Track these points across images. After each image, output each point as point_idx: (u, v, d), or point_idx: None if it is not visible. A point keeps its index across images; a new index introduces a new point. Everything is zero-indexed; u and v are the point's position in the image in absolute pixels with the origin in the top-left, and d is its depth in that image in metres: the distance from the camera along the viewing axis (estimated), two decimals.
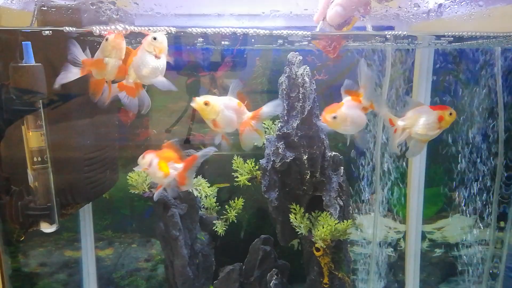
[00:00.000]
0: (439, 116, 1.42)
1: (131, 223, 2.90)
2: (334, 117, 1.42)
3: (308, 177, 2.00)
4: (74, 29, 1.51)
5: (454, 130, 2.64)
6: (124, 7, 1.68)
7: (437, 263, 2.85)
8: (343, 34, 1.63)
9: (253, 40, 1.89)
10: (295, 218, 2.03)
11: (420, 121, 1.43)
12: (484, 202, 2.62)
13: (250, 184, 2.17)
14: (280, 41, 1.91)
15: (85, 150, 1.86)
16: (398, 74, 2.48)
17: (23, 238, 1.77)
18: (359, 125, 1.47)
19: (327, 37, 1.69)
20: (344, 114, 1.42)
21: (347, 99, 1.45)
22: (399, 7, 1.70)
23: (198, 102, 1.39)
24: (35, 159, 1.55)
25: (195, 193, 2.18)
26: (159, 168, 1.47)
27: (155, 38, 1.36)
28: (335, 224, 1.93)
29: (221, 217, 2.30)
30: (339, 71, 2.56)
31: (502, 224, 2.50)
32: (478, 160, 2.59)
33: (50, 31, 1.51)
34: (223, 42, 1.98)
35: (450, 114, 1.43)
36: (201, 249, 2.29)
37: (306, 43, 1.87)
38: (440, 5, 1.73)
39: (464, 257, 2.75)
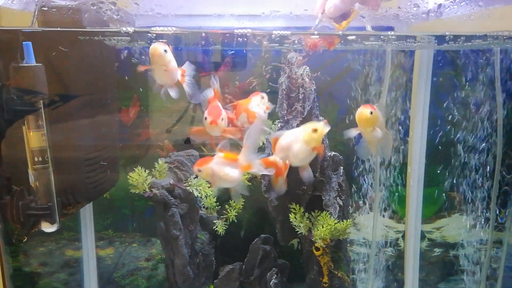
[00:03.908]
0: None
1: (132, 222, 2.90)
2: (199, 171, 1.45)
3: None
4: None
5: (454, 130, 2.65)
6: (125, 7, 1.68)
7: (436, 263, 2.86)
8: (341, 32, 1.63)
9: (253, 40, 1.89)
10: (295, 217, 2.04)
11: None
12: (483, 202, 2.62)
13: (250, 184, 2.17)
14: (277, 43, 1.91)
15: (86, 150, 1.87)
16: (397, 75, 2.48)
17: (25, 239, 1.77)
18: (230, 181, 1.49)
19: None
20: (211, 169, 1.44)
21: (219, 155, 1.47)
22: (399, 7, 1.70)
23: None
24: (36, 159, 1.55)
25: (195, 193, 2.18)
26: None
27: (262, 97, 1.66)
28: (335, 223, 1.94)
29: (221, 216, 2.30)
30: (337, 72, 2.57)
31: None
32: (477, 159, 2.60)
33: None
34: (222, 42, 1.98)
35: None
36: (201, 248, 2.30)
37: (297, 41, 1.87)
38: (439, 6, 1.73)
39: (463, 256, 2.75)
